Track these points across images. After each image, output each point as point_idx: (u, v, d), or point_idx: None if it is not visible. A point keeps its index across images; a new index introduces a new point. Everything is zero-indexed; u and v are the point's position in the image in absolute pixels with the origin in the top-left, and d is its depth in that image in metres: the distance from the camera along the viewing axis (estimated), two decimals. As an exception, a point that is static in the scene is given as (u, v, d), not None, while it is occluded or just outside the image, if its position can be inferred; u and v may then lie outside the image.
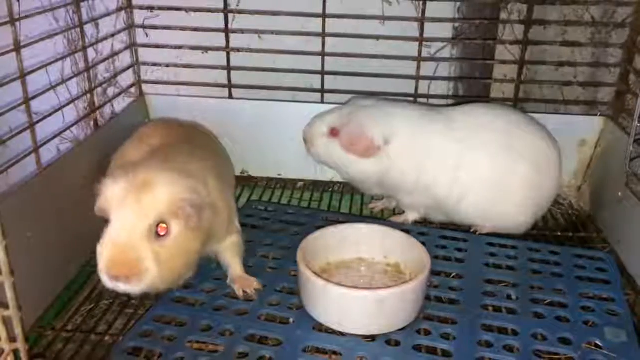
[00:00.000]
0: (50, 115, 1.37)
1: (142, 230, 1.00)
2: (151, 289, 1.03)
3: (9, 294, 0.75)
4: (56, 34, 1.47)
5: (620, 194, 1.35)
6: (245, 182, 1.79)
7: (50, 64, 1.41)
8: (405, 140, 1.41)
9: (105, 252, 1.00)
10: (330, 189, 1.76)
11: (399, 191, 1.48)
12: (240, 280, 1.22)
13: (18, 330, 0.77)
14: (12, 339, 0.78)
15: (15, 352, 0.79)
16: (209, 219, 1.08)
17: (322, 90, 1.75)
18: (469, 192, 1.41)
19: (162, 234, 1.01)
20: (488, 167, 1.40)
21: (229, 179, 1.38)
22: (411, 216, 1.53)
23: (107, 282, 1.01)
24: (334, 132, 1.46)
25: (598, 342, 1.07)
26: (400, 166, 1.42)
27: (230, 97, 1.79)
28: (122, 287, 1.00)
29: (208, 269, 1.27)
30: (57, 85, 1.47)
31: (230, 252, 1.24)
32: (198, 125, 1.57)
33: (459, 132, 1.42)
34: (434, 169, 1.41)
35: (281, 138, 1.75)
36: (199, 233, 1.07)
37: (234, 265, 1.24)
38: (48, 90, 1.40)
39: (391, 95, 1.69)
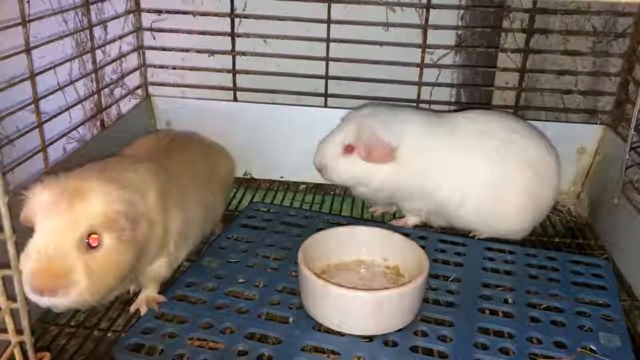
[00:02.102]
0: (57, 115, 1.40)
1: (72, 240, 0.94)
2: (78, 304, 0.97)
3: (17, 287, 0.77)
4: (66, 36, 1.50)
5: (616, 201, 1.36)
6: (247, 183, 1.81)
7: (59, 64, 1.44)
8: (412, 145, 1.43)
9: (29, 262, 0.92)
10: (332, 192, 1.78)
11: (404, 195, 1.49)
12: (149, 299, 1.19)
13: (25, 323, 0.79)
14: (18, 331, 0.80)
15: (21, 345, 0.81)
16: (144, 233, 1.04)
17: (326, 95, 1.78)
18: (469, 197, 1.43)
19: (93, 245, 0.96)
20: (488, 173, 1.42)
21: (193, 198, 1.28)
22: (411, 220, 1.54)
23: (31, 294, 0.91)
24: (348, 149, 1.45)
25: (592, 347, 1.09)
26: (407, 170, 1.43)
27: (235, 99, 1.81)
28: (45, 301, 0.93)
29: (209, 268, 1.29)
30: (65, 86, 1.50)
31: (151, 276, 1.19)
32: (193, 139, 1.54)
33: (461, 138, 1.44)
34: (438, 174, 1.43)
35: (284, 141, 1.78)
36: (132, 247, 1.02)
37: (150, 289, 1.20)
38: (56, 90, 1.43)
39: (394, 101, 1.72)
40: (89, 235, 0.96)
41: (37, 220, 0.96)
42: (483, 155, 1.42)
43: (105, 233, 0.97)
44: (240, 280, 1.27)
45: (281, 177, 1.83)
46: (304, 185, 1.81)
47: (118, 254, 0.99)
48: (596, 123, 1.72)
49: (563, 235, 1.57)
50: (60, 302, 0.94)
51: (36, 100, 1.26)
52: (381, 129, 1.43)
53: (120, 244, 0.99)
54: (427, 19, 1.67)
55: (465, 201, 1.43)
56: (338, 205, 1.71)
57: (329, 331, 1.12)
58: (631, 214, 1.28)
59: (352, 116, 1.50)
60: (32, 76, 1.24)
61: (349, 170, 1.46)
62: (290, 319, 1.15)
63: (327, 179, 1.52)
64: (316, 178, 1.76)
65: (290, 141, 1.76)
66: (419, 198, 1.47)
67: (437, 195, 1.44)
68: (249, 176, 1.84)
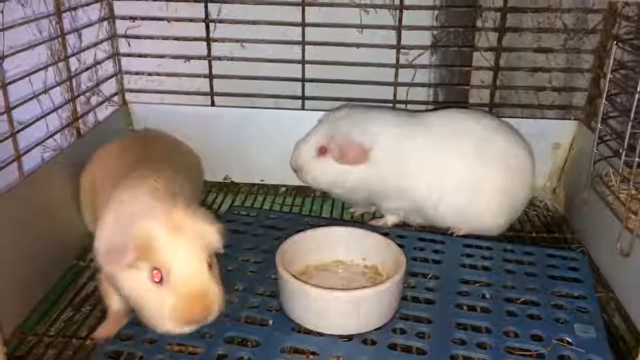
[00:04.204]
0: (31, 124, 1.38)
1: (207, 271, 1.02)
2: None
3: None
4: (37, 44, 1.49)
5: (586, 195, 1.38)
6: (228, 188, 1.81)
7: (31, 73, 1.43)
8: (386, 145, 1.44)
9: (185, 303, 0.99)
10: (312, 195, 1.79)
11: (380, 196, 1.50)
12: None
13: (-3, 334, 0.79)
14: (-9, 341, 0.80)
15: (-5, 355, 0.81)
16: None
17: (303, 97, 1.78)
18: (445, 196, 1.44)
19: (211, 265, 1.04)
20: (463, 171, 1.43)
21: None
22: (390, 220, 1.56)
23: (183, 327, 1.00)
24: (322, 151, 1.47)
25: (568, 339, 1.10)
26: (382, 171, 1.45)
27: (213, 104, 1.81)
28: (191, 328, 1.01)
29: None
30: (39, 94, 1.49)
31: None
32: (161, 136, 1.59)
33: (435, 137, 1.45)
34: (413, 173, 1.44)
35: (263, 144, 1.78)
36: None
37: None
38: (30, 99, 1.42)
39: (371, 102, 1.73)
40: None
41: (161, 257, 0.99)
42: (457, 153, 1.44)
43: (212, 255, 1.06)
44: (220, 285, 1.27)
45: (261, 181, 1.83)
46: (284, 188, 1.82)
47: (217, 266, 1.09)
48: (570, 119, 1.74)
49: (540, 229, 1.59)
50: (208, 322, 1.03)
51: (8, 109, 1.25)
52: (355, 130, 1.44)
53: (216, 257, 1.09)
54: (400, 20, 1.68)
55: (442, 200, 1.45)
56: (318, 207, 1.72)
57: (308, 332, 1.12)
58: (601, 207, 1.29)
59: (327, 118, 1.52)
60: (4, 85, 1.23)
61: (324, 172, 1.48)
62: (270, 322, 1.15)
63: (302, 180, 1.54)
64: (296, 180, 1.77)
65: (269, 144, 1.77)
66: (396, 198, 1.48)
67: (414, 194, 1.46)
68: (229, 180, 1.84)
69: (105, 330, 1.14)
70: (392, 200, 1.49)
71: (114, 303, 1.16)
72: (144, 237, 0.99)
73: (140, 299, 1.01)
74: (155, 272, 0.99)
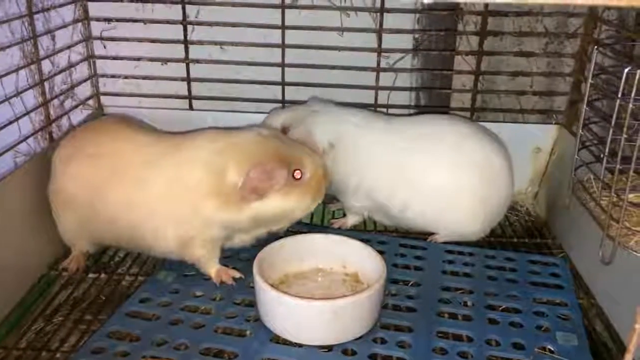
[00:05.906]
0: (2, 128, 1.34)
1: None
2: None
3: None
4: (9, 46, 1.45)
5: (567, 201, 1.37)
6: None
7: (2, 76, 1.38)
8: (347, 145, 1.45)
9: (323, 182, 1.28)
10: (293, 200, 1.76)
11: (343, 193, 1.51)
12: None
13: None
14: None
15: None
16: None
17: (283, 101, 1.76)
18: (412, 200, 1.42)
19: None
20: (430, 177, 1.41)
21: None
22: (350, 220, 1.56)
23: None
24: (284, 131, 1.49)
25: (550, 347, 1.09)
26: (343, 169, 1.45)
27: (191, 108, 1.78)
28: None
29: (164, 282, 1.26)
30: (11, 97, 1.45)
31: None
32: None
33: (402, 141, 1.44)
34: (374, 175, 1.44)
35: (243, 149, 1.74)
36: None
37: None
38: (1, 102, 1.38)
39: (352, 106, 1.70)
40: None
41: (297, 158, 1.24)
42: (426, 158, 1.42)
43: None
44: (197, 294, 1.24)
45: (241, 186, 1.80)
46: (264, 193, 1.78)
47: None
48: (552, 123, 1.74)
49: (522, 235, 1.57)
50: None
51: (-24, 114, 1.21)
52: (316, 129, 1.46)
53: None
54: (381, 23, 1.67)
55: (410, 204, 1.43)
56: (299, 213, 1.69)
57: (286, 343, 1.09)
58: (582, 213, 1.28)
59: (307, 105, 1.55)
60: (-29, 89, 1.19)
61: None
62: (248, 332, 1.13)
63: None
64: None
65: (248, 149, 1.73)
66: (358, 196, 1.48)
67: (376, 194, 1.45)
68: (207, 186, 1.80)
69: (225, 277, 1.27)
70: (355, 198, 1.49)
71: (216, 264, 1.29)
72: (276, 154, 1.20)
73: (288, 204, 1.24)
74: (296, 172, 1.22)
